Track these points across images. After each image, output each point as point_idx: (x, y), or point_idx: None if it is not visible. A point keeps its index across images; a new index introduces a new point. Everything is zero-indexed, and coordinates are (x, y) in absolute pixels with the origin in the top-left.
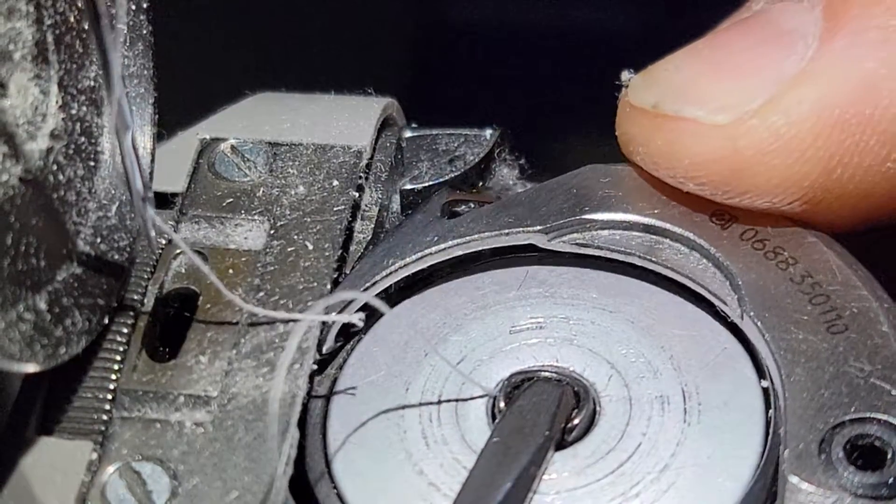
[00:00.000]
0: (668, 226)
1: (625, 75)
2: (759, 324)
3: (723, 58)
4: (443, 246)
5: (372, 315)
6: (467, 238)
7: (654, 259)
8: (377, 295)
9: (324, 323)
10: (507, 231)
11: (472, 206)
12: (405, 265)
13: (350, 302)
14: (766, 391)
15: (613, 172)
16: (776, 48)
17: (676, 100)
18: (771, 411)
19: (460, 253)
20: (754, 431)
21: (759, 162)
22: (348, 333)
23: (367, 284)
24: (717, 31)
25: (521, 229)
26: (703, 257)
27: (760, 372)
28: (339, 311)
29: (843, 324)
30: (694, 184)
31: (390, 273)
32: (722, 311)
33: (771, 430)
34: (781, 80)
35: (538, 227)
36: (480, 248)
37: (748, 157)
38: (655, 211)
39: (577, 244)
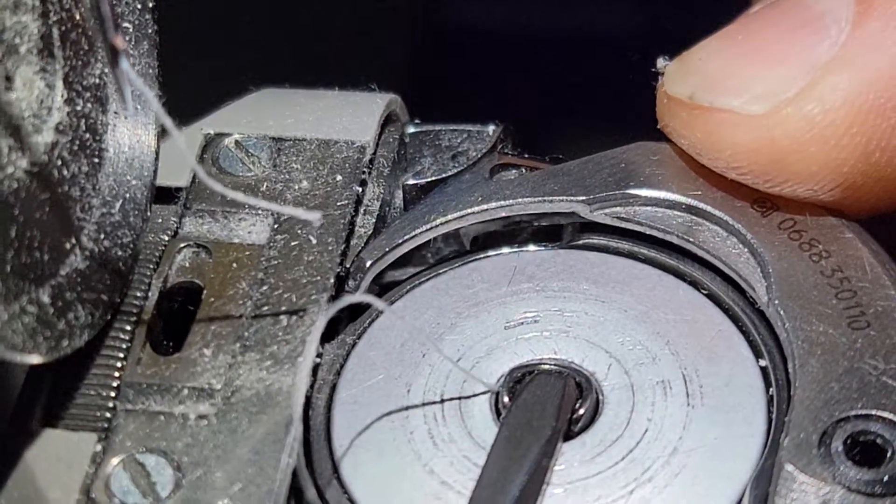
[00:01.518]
0: (709, 208)
1: (660, 62)
2: (782, 312)
3: (756, 45)
4: (485, 206)
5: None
6: (510, 201)
7: (691, 239)
8: (412, 252)
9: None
10: (550, 198)
11: (523, 170)
12: (447, 221)
13: (365, 274)
14: (763, 370)
15: (663, 150)
16: (809, 33)
17: (712, 90)
18: (772, 389)
19: (503, 215)
20: (757, 410)
21: (796, 150)
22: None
23: (408, 237)
24: (748, 16)
25: (564, 197)
26: (739, 242)
27: (757, 351)
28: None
29: (865, 320)
30: (736, 173)
31: (431, 228)
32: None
33: (774, 408)
34: (815, 66)
35: (582, 198)
36: (522, 213)
37: (785, 146)
38: (699, 193)
39: (618, 218)
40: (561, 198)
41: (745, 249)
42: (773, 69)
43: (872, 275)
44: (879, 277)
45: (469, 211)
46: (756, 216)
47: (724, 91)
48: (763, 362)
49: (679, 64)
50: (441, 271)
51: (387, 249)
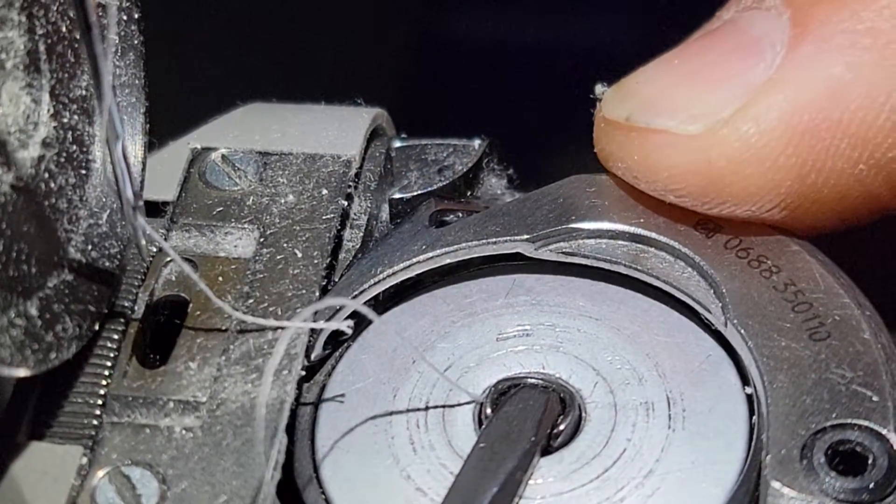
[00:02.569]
0: (653, 235)
1: (598, 89)
2: (742, 331)
3: (693, 68)
4: (431, 254)
5: (360, 322)
6: (455, 247)
7: (639, 267)
8: (366, 303)
9: (313, 329)
10: (494, 240)
11: (461, 215)
12: (394, 273)
13: (339, 309)
14: (749, 397)
15: (599, 182)
16: (745, 56)
17: (648, 111)
18: (754, 417)
19: (448, 261)
20: (738, 437)
21: (733, 171)
22: (337, 340)
23: (356, 292)
24: (687, 42)
25: (507, 238)
26: (687, 266)
27: (744, 378)
28: (328, 318)
29: (825, 331)
30: (674, 196)
31: (379, 281)
32: (706, 318)
33: (754, 436)
34: (750, 88)
35: (525, 236)
36: (468, 257)
37: (722, 167)
38: (641, 220)
39: (563, 253)
40: (505, 238)
41: (695, 272)
42: (708, 91)
43: (825, 285)
44: (832, 287)
45: (415, 260)
46: (701, 238)
47: (660, 112)
48: (749, 390)
49: (617, 89)
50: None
51: (336, 308)
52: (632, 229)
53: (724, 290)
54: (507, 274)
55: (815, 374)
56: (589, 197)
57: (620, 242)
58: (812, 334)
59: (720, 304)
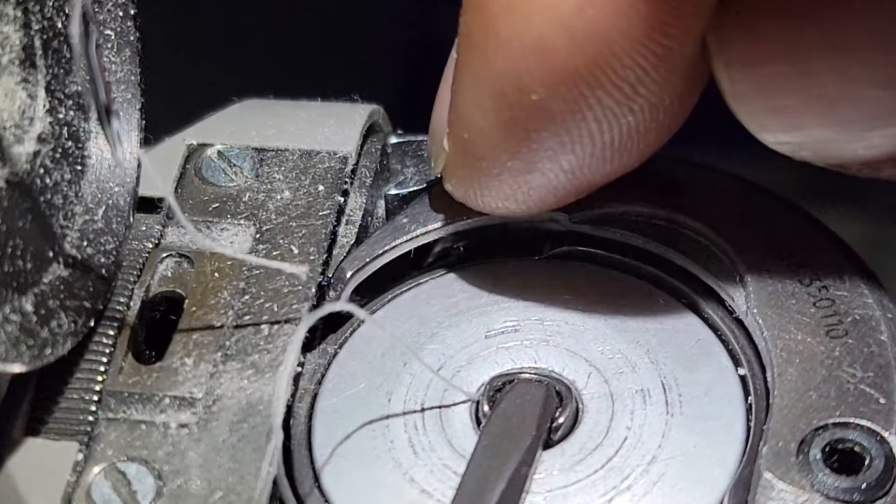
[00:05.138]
0: (687, 219)
1: None
2: (760, 321)
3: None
4: (468, 220)
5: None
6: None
7: (670, 249)
8: (398, 259)
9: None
10: None
11: None
12: (427, 232)
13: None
14: (743, 379)
15: None
16: None
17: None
18: (751, 398)
19: (484, 224)
20: (736, 419)
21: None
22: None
23: (387, 248)
24: None
25: None
26: (717, 251)
27: (736, 360)
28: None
29: (843, 329)
30: None
31: (412, 238)
32: (730, 305)
33: (752, 417)
34: None
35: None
36: (503, 222)
37: None
38: (674, 203)
39: (597, 227)
40: None
41: (724, 259)
42: None
43: (850, 283)
44: (857, 286)
45: (451, 221)
46: (734, 226)
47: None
48: (742, 371)
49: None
50: (422, 280)
51: (367, 260)
52: (665, 212)
53: (748, 279)
54: (488, 270)
55: (826, 370)
56: (624, 178)
57: (654, 222)
58: (829, 331)
59: (744, 293)
